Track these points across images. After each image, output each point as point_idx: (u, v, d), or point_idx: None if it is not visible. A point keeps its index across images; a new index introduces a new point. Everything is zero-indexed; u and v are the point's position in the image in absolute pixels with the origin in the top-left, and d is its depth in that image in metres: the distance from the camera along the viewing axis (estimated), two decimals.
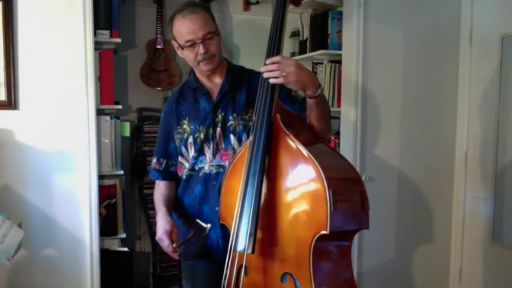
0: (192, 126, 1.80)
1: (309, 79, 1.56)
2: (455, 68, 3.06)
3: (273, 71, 1.53)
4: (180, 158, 1.87)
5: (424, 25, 2.99)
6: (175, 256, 1.75)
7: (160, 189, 1.92)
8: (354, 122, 2.88)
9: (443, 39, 3.03)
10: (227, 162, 1.75)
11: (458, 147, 3.10)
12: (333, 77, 3.08)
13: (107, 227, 2.82)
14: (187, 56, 1.76)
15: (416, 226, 3.08)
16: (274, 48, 1.59)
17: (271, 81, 1.54)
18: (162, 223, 1.77)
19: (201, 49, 1.71)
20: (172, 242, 1.73)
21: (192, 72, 1.88)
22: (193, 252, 1.83)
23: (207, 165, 1.79)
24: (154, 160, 1.93)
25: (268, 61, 1.55)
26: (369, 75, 2.87)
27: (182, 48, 1.74)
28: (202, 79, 1.85)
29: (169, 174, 1.92)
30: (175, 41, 1.77)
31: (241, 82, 1.82)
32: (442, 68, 3.05)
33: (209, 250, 1.79)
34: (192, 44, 1.71)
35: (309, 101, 1.60)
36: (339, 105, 3.04)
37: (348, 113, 2.92)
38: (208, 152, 1.79)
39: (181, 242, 1.76)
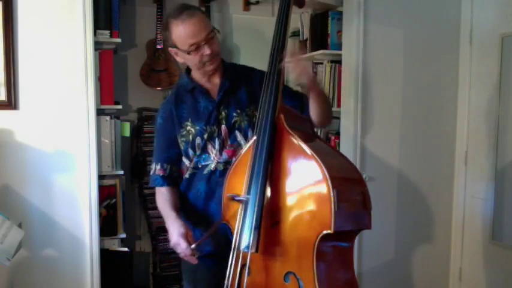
0: (197, 127, 1.79)
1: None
2: (455, 68, 3.06)
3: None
4: (185, 160, 1.84)
5: (424, 25, 2.99)
6: (194, 260, 1.63)
7: (163, 196, 1.84)
8: (354, 122, 2.87)
9: (443, 39, 3.03)
10: (234, 158, 1.74)
11: (458, 147, 3.09)
12: (333, 77, 3.09)
13: (107, 227, 2.82)
14: (191, 60, 1.76)
15: (416, 226, 3.08)
16: (278, 48, 1.62)
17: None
18: (176, 227, 1.67)
19: (206, 50, 1.71)
20: (190, 244, 1.62)
21: (184, 73, 1.87)
22: (208, 251, 1.79)
23: (213, 163, 1.77)
24: (158, 167, 1.85)
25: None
26: (368, 76, 2.87)
27: (188, 53, 1.73)
28: (200, 80, 1.83)
29: (173, 180, 1.87)
30: (175, 47, 1.75)
31: (239, 79, 1.83)
32: (442, 68, 3.05)
33: (221, 248, 1.74)
34: (197, 47, 1.71)
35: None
36: (338, 105, 3.04)
37: (348, 113, 2.92)
38: (213, 150, 1.78)
39: (199, 240, 1.65)
